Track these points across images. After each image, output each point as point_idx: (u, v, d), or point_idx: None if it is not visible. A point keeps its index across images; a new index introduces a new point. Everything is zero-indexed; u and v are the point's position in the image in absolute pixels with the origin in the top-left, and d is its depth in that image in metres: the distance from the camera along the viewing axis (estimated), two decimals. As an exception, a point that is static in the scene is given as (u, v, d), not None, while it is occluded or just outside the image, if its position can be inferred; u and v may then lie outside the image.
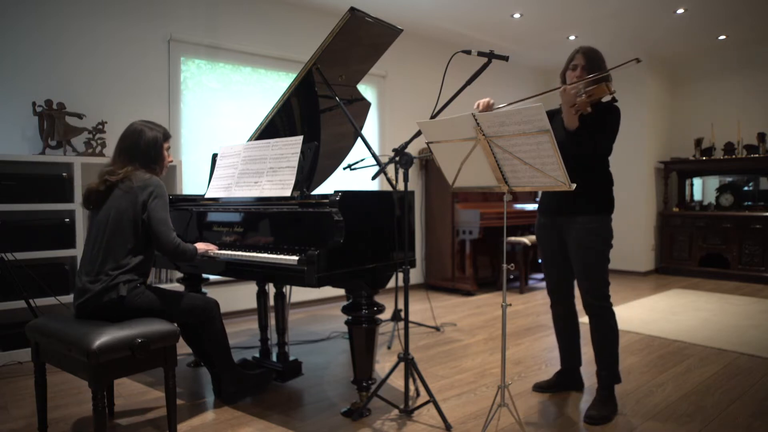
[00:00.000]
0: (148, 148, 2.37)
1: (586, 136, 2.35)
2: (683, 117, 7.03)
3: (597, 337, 2.50)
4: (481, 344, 3.67)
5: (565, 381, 2.77)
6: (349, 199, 2.27)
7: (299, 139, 2.58)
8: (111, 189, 2.28)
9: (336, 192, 2.25)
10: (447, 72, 2.40)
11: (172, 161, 2.49)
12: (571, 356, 2.75)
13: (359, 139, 2.81)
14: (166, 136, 2.45)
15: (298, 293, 4.86)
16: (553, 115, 2.48)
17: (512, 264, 5.55)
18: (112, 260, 2.20)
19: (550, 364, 3.22)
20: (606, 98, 2.41)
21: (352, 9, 2.56)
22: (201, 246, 2.51)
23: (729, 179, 6.60)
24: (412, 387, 2.68)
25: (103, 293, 2.15)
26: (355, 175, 3.47)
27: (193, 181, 4.28)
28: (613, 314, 2.49)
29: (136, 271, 2.24)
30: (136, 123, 2.41)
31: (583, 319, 2.58)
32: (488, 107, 2.39)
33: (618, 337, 2.50)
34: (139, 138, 2.36)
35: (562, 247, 2.57)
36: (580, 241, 2.46)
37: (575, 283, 2.61)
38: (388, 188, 2.79)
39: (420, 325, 4.18)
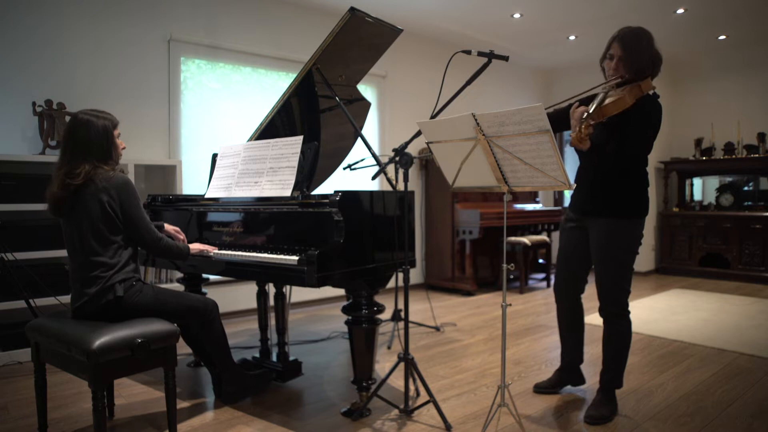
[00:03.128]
0: (100, 140, 2.22)
1: (609, 147, 2.22)
2: (683, 117, 7.02)
3: (607, 342, 2.47)
4: (481, 344, 3.67)
5: (566, 378, 2.75)
6: (349, 199, 2.27)
7: (299, 139, 2.57)
8: (76, 192, 2.17)
9: (336, 192, 2.25)
10: (447, 72, 2.40)
11: (125, 147, 2.40)
12: (574, 354, 2.72)
13: (359, 139, 2.81)
14: (115, 123, 2.32)
15: (298, 293, 4.86)
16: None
17: (512, 264, 5.54)
18: (102, 263, 2.16)
19: (550, 364, 3.22)
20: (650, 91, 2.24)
21: (352, 9, 2.56)
22: (196, 247, 2.49)
23: (729, 179, 6.60)
24: (412, 387, 2.68)
25: (101, 296, 2.14)
26: (355, 175, 3.48)
27: (193, 181, 4.28)
28: (627, 323, 2.42)
29: (128, 266, 2.22)
30: (81, 114, 2.25)
31: (589, 319, 2.56)
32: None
33: (629, 347, 2.45)
34: (89, 131, 2.21)
35: (583, 245, 2.50)
36: (599, 244, 2.38)
37: (585, 283, 2.59)
38: (388, 188, 2.79)
39: (420, 325, 4.18)
